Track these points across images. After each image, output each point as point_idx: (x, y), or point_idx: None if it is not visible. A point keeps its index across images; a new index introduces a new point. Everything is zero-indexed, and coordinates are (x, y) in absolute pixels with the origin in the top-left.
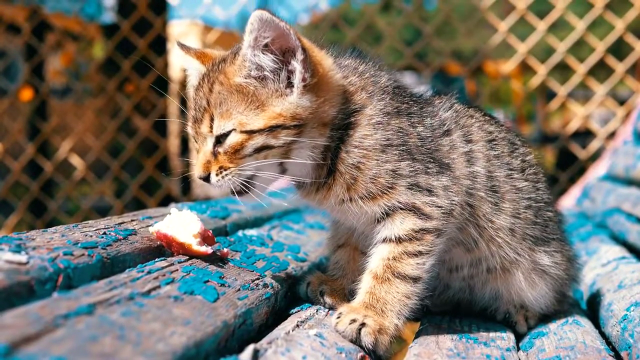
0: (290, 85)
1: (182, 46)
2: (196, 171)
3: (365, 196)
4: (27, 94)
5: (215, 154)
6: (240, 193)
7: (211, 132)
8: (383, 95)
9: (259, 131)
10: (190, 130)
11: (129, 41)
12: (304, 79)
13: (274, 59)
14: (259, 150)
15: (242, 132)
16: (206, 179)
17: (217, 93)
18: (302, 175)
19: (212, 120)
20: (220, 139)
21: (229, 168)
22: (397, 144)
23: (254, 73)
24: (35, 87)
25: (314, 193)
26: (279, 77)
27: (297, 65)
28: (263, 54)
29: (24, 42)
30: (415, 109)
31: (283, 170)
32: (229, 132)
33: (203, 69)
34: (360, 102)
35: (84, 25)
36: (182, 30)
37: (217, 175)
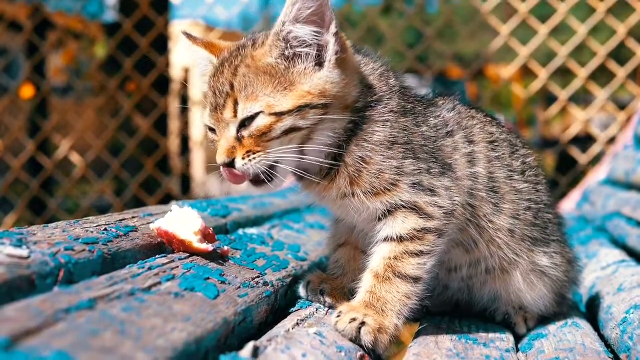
0: (318, 63)
1: (189, 36)
2: (219, 157)
3: (369, 191)
4: (28, 92)
5: (239, 139)
6: (260, 183)
7: (235, 116)
8: (392, 94)
9: (288, 112)
10: (207, 118)
11: (131, 40)
12: (336, 52)
13: (314, 31)
14: (287, 132)
15: (270, 114)
16: (230, 164)
17: (242, 76)
18: (317, 163)
19: (236, 104)
20: (245, 123)
21: (257, 152)
22: (402, 142)
23: (288, 51)
24: (36, 84)
25: (316, 184)
26: (311, 53)
27: (330, 38)
28: (303, 26)
29: (25, 40)
30: (419, 109)
31: (302, 157)
32: (255, 115)
33: (213, 58)
34: (374, 98)
35: (86, 24)
36: (183, 30)
37: (243, 159)
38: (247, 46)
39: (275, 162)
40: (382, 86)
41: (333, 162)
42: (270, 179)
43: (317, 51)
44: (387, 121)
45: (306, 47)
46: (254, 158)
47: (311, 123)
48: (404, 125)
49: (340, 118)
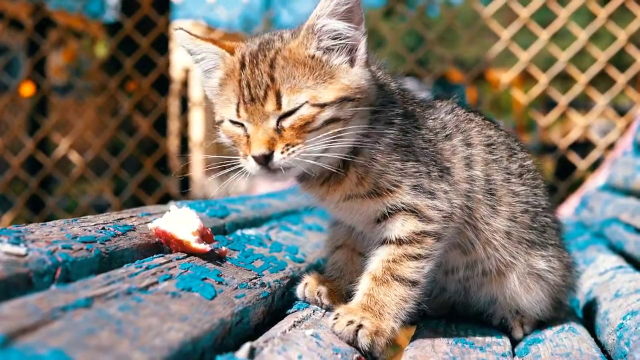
0: (349, 60)
1: (189, 33)
2: (257, 149)
3: (372, 192)
4: (28, 90)
5: (279, 131)
6: (275, 170)
7: (279, 109)
8: (395, 97)
9: (330, 103)
10: (235, 112)
11: (132, 40)
12: (366, 52)
13: (349, 26)
14: (327, 122)
15: (313, 105)
16: (268, 157)
17: (281, 68)
18: (335, 157)
19: (278, 96)
20: (286, 114)
21: (297, 144)
22: (405, 145)
23: (324, 44)
24: (36, 83)
25: (319, 186)
26: (345, 48)
27: (362, 37)
28: (338, 21)
29: (26, 38)
30: (418, 111)
31: (326, 150)
32: (299, 107)
33: (225, 52)
34: (382, 101)
35: (87, 23)
36: (179, 27)
37: (282, 153)
38: (275, 40)
39: (309, 154)
40: (387, 88)
41: (351, 159)
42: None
43: (350, 47)
44: (394, 123)
45: (340, 41)
46: (293, 151)
47: (348, 115)
48: (406, 127)
49: (369, 110)
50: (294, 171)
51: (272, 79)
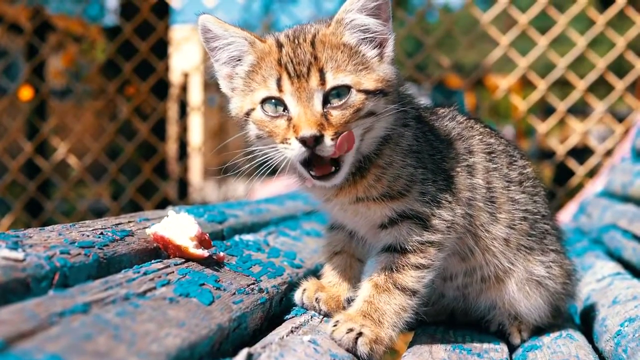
0: (378, 55)
1: (217, 19)
2: (307, 129)
3: (384, 195)
4: (26, 94)
5: (325, 116)
6: (326, 177)
7: (323, 84)
8: (406, 101)
9: (372, 92)
10: (275, 87)
11: (131, 44)
12: (393, 49)
13: (378, 22)
14: (368, 114)
15: (359, 90)
16: (317, 139)
17: (322, 49)
18: (356, 158)
19: (322, 72)
20: (329, 99)
21: (344, 132)
22: (416, 150)
23: (354, 35)
24: (35, 86)
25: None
26: (373, 42)
27: (390, 34)
28: (367, 16)
29: (25, 42)
30: (424, 116)
31: (359, 144)
32: (345, 90)
33: (256, 39)
34: (399, 103)
35: (86, 27)
36: (184, 35)
37: (332, 140)
38: (308, 27)
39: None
40: (400, 91)
41: (373, 159)
42: (337, 169)
43: (378, 42)
44: (410, 125)
45: (369, 34)
46: None
47: (381, 110)
48: (418, 132)
49: (394, 108)
50: (342, 174)
51: (315, 57)
